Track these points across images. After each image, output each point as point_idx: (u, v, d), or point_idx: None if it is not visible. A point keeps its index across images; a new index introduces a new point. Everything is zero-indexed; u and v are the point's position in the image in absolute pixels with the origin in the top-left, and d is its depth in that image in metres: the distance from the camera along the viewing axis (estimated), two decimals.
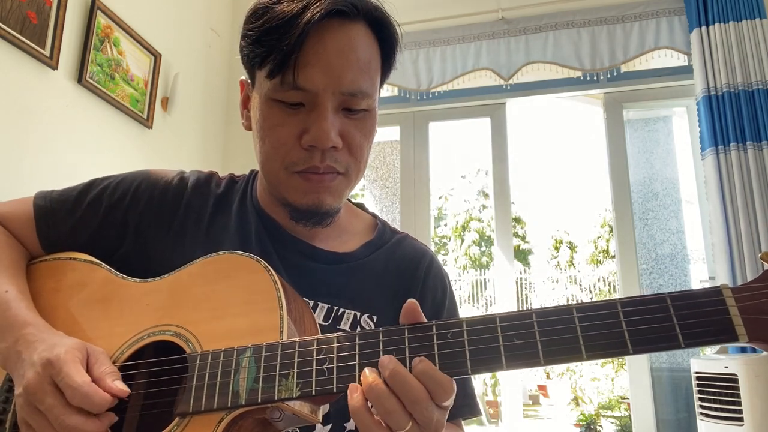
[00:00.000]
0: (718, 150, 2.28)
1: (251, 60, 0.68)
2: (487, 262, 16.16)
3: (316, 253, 0.75)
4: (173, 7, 2.50)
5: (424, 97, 2.80)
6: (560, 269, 16.65)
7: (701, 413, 1.99)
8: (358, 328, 0.72)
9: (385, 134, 3.06)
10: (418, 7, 2.77)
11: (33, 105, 1.77)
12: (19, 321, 0.62)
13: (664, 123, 2.88)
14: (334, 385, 0.51)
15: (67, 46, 1.89)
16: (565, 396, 9.12)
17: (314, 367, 0.52)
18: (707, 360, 2.04)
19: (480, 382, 8.96)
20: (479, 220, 17.58)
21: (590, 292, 13.98)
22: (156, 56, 2.34)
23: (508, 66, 2.64)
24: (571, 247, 17.60)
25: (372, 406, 0.49)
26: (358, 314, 0.73)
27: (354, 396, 0.49)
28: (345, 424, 0.69)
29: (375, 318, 0.74)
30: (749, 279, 2.19)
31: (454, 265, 16.66)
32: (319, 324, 0.66)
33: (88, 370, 0.56)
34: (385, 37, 0.70)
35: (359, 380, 0.50)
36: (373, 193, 3.20)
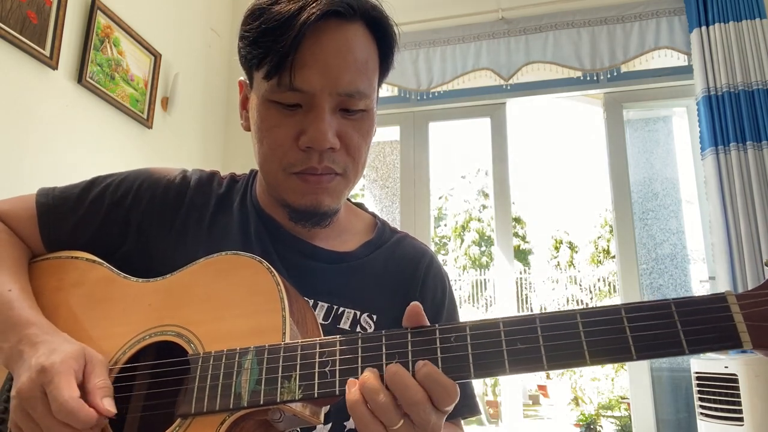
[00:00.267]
0: (718, 150, 2.29)
1: (249, 61, 0.68)
2: (487, 262, 16.16)
3: (316, 252, 0.75)
4: (173, 7, 2.50)
5: (424, 97, 2.80)
6: (560, 269, 16.65)
7: (701, 413, 1.99)
8: (358, 328, 0.72)
9: (385, 134, 3.06)
10: (418, 7, 2.77)
11: (33, 105, 1.77)
12: (22, 320, 0.62)
13: (664, 123, 2.88)
14: (337, 388, 0.51)
15: (67, 46, 1.89)
16: (565, 396, 9.12)
17: (317, 370, 0.52)
18: (707, 360, 2.04)
19: (480, 382, 8.95)
20: (479, 220, 17.58)
21: (590, 292, 13.97)
22: (156, 56, 2.34)
23: (508, 66, 2.64)
24: (571, 247, 17.61)
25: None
26: (358, 313, 0.73)
27: (351, 390, 0.49)
28: (345, 423, 0.69)
29: (375, 317, 0.74)
30: (749, 279, 2.19)
31: (454, 265, 16.66)
32: (320, 323, 0.66)
33: (83, 381, 0.55)
34: (383, 36, 0.70)
35: None
36: (373, 193, 3.20)
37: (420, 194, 2.81)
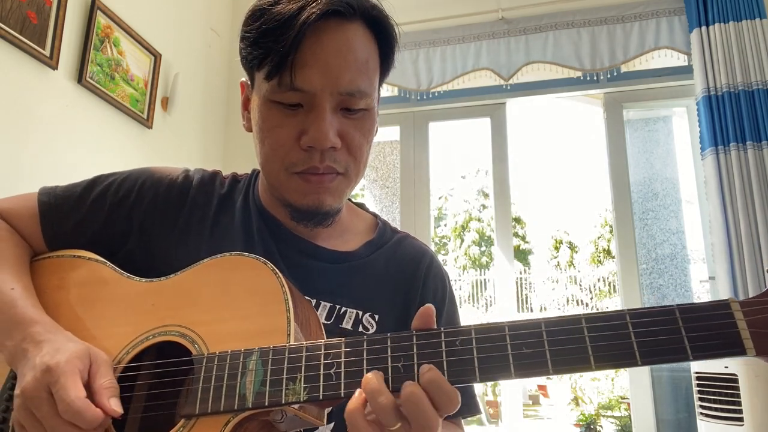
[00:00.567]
0: (718, 150, 2.29)
1: (250, 62, 0.68)
2: (487, 262, 16.17)
3: (318, 251, 0.76)
4: (173, 7, 2.50)
5: (424, 97, 2.80)
6: (560, 269, 16.66)
7: (701, 413, 1.99)
8: (360, 328, 0.72)
9: (385, 134, 3.06)
10: (418, 7, 2.77)
11: (33, 105, 1.77)
12: (26, 319, 0.61)
13: (664, 123, 2.88)
14: (342, 390, 0.51)
15: (67, 46, 1.89)
16: (565, 396, 9.12)
17: (321, 372, 0.52)
18: (707, 360, 2.04)
19: None
20: (479, 220, 17.59)
21: (590, 292, 13.98)
22: (156, 56, 2.33)
23: (508, 66, 2.64)
24: (571, 247, 17.62)
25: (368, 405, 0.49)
26: (360, 313, 0.73)
27: (353, 398, 0.49)
28: None
29: (377, 317, 0.74)
30: (749, 279, 2.19)
31: (454, 265, 16.68)
32: (322, 323, 0.66)
33: (88, 381, 0.55)
34: (383, 36, 0.70)
35: None
36: (373, 193, 3.20)
37: (420, 194, 2.81)
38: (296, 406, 0.52)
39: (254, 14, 0.66)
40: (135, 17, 2.22)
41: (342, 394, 0.51)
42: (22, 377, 0.56)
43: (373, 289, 0.76)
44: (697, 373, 2.03)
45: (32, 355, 0.57)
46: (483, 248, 16.73)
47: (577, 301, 13.72)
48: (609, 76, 2.60)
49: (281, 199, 0.72)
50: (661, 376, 2.51)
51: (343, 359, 0.52)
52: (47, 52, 1.79)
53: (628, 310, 0.49)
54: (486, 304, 13.00)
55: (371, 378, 0.49)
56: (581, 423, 7.70)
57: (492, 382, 9.13)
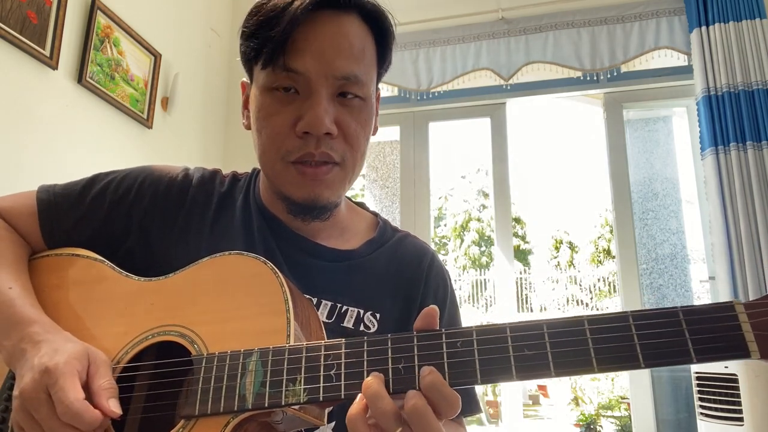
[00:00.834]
0: (718, 150, 2.28)
1: (248, 56, 0.69)
2: (487, 262, 16.17)
3: (318, 250, 0.75)
4: (173, 7, 2.49)
5: (424, 97, 2.80)
6: (560, 269, 16.66)
7: (701, 413, 1.99)
8: (362, 326, 0.72)
9: (385, 134, 3.06)
10: (418, 7, 2.77)
11: (33, 105, 1.77)
12: (24, 318, 0.61)
13: (664, 123, 2.88)
14: (342, 392, 0.50)
15: (67, 46, 1.89)
16: (565, 396, 9.12)
17: (322, 373, 0.51)
18: None
19: None
20: (479, 220, 17.59)
21: (590, 292, 13.98)
22: (156, 56, 2.33)
23: (508, 66, 2.64)
24: (572, 247, 17.62)
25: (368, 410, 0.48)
26: (361, 312, 0.73)
27: (354, 404, 0.49)
28: None
29: (378, 316, 0.74)
30: (749, 279, 2.19)
31: (454, 265, 16.68)
32: (323, 321, 0.66)
33: (87, 382, 0.55)
34: (380, 29, 0.71)
35: None
36: (373, 193, 3.19)
37: (420, 194, 2.81)
38: (296, 407, 0.52)
39: (252, 10, 0.68)
40: (135, 17, 2.22)
41: (342, 396, 0.50)
42: (21, 378, 0.56)
43: (374, 287, 0.75)
44: (697, 373, 2.03)
45: (31, 355, 0.57)
46: (483, 248, 16.73)
47: (577, 301, 13.72)
48: (609, 76, 2.60)
49: (278, 193, 0.72)
50: (661, 376, 2.51)
51: (343, 360, 0.51)
52: (47, 52, 1.78)
53: (630, 312, 0.48)
54: (486, 304, 13.01)
55: (371, 382, 0.48)
56: (581, 423, 7.70)
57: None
